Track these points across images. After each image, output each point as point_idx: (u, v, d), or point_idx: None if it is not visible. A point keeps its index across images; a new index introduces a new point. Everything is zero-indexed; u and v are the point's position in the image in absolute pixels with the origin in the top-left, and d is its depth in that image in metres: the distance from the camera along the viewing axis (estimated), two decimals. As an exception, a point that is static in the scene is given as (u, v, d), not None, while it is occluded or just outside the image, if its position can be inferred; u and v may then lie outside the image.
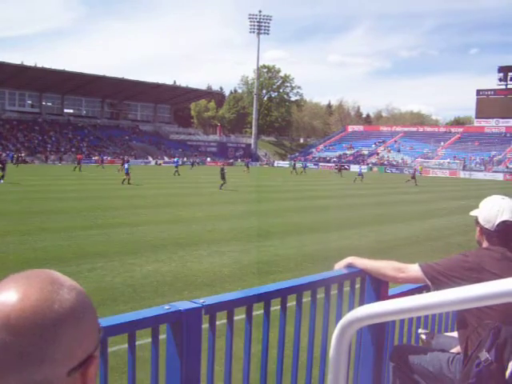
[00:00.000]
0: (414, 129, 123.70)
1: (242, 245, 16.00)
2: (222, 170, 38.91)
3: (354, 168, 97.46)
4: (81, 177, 48.08)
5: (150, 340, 2.29)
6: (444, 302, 1.52)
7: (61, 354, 0.91)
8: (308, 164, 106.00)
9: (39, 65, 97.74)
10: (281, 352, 2.85)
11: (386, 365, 3.48)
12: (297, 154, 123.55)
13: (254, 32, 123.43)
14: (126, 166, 41.00)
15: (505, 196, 3.18)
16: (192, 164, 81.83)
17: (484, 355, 2.64)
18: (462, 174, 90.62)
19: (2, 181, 35.93)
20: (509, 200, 3.12)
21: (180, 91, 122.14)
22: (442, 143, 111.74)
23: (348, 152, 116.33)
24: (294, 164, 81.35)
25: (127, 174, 39.86)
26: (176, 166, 58.41)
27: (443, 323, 4.21)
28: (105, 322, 2.05)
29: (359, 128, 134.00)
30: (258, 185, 44.41)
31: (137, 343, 2.28)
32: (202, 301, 2.38)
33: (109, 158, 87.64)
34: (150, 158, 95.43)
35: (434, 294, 1.58)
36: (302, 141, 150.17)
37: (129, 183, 39.18)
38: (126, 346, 2.26)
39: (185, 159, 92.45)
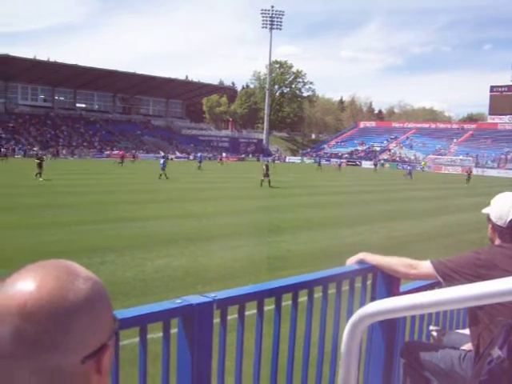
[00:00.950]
0: (427, 125, 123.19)
1: (255, 239, 16.04)
2: (267, 166, 38.64)
3: (366, 164, 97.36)
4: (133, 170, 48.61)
5: (161, 334, 2.30)
6: (455, 299, 1.51)
7: (74, 342, 0.93)
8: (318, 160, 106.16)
9: (52, 59, 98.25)
10: (292, 347, 2.84)
11: (396, 361, 3.47)
12: (308, 150, 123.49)
13: (266, 27, 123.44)
14: (161, 161, 43.27)
15: None
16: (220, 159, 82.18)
17: (496, 352, 2.62)
18: (475, 171, 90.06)
19: (40, 179, 34.91)
20: (521, 196, 3.10)
21: (192, 86, 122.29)
22: (455, 140, 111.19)
23: (360, 148, 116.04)
24: (319, 161, 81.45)
25: (163, 169, 41.58)
26: (200, 161, 59.87)
27: (454, 320, 4.20)
28: (116, 315, 2.05)
29: (371, 124, 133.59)
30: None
31: (149, 337, 2.29)
32: (213, 295, 2.37)
33: (120, 153, 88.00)
34: (162, 153, 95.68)
35: (446, 291, 1.58)
36: (313, 136, 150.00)
37: (166, 178, 40.49)
38: (139, 339, 2.27)
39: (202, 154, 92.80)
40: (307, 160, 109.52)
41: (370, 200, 30.61)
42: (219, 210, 22.96)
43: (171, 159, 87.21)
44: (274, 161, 70.83)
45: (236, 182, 41.26)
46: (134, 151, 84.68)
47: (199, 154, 65.87)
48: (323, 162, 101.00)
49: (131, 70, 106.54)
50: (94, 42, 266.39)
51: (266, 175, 37.66)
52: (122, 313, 2.06)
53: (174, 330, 2.33)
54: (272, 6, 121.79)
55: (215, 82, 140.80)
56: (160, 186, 34.92)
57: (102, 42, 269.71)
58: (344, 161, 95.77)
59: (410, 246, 15.25)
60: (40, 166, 35.70)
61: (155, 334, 2.69)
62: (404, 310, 1.62)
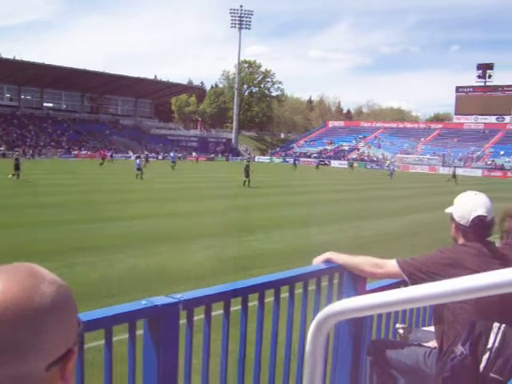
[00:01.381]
0: (395, 125, 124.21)
1: (228, 239, 16.05)
2: (247, 166, 38.45)
3: (335, 164, 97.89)
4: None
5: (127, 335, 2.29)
6: (419, 297, 1.54)
7: (41, 347, 0.90)
8: (288, 159, 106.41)
9: (18, 58, 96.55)
10: (259, 347, 2.85)
11: (363, 359, 3.50)
12: (278, 149, 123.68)
13: (235, 27, 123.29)
14: (138, 161, 43.25)
15: (478, 192, 3.22)
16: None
17: (459, 349, 2.67)
18: (442, 170, 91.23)
19: (15, 177, 34.95)
20: (482, 195, 3.15)
21: (161, 86, 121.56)
22: (422, 139, 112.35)
23: (329, 147, 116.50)
24: (295, 161, 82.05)
25: (139, 169, 41.61)
26: (173, 161, 60.21)
27: (421, 318, 4.25)
28: (81, 317, 2.03)
29: (340, 123, 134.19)
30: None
31: (117, 338, 2.28)
32: (179, 296, 2.36)
33: (88, 153, 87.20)
34: (131, 153, 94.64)
35: (409, 289, 1.60)
36: (282, 136, 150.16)
37: (141, 178, 40.45)
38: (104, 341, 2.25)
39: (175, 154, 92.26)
40: (276, 159, 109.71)
41: (342, 199, 30.79)
42: (193, 209, 22.88)
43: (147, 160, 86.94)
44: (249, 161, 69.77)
45: (211, 182, 41.39)
46: (111, 152, 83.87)
47: (172, 154, 65.46)
48: (292, 161, 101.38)
49: (100, 70, 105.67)
50: (61, 41, 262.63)
51: (247, 175, 37.64)
52: (86, 315, 2.05)
53: (141, 332, 2.32)
54: (241, 6, 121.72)
55: (184, 81, 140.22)
56: (134, 187, 34.77)
57: (70, 41, 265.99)
58: (317, 160, 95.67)
59: (379, 245, 15.37)
60: (17, 167, 35.45)
61: (124, 335, 2.68)
62: (368, 308, 1.64)
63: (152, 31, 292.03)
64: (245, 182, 37.58)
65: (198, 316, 2.59)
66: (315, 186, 42.79)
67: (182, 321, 2.40)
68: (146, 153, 76.30)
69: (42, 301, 0.92)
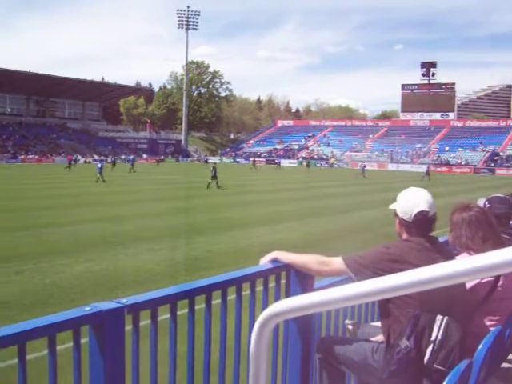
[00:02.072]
0: (343, 123, 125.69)
1: (175, 242, 15.95)
2: (214, 168, 38.51)
3: (285, 162, 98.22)
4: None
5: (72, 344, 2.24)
6: (360, 293, 1.55)
7: None
8: (238, 159, 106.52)
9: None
10: (207, 349, 2.83)
11: (313, 357, 3.53)
12: (227, 150, 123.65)
13: (182, 28, 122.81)
14: (99, 165, 43.78)
15: (420, 188, 3.28)
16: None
17: (404, 343, 2.72)
18: (390, 167, 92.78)
19: None
20: (424, 191, 3.22)
21: (108, 88, 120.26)
22: (371, 136, 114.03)
23: (278, 147, 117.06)
24: (254, 160, 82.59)
25: (100, 173, 42.33)
26: (131, 164, 60.76)
27: (370, 313, 4.29)
28: (23, 326, 2.00)
29: (289, 123, 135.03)
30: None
31: (62, 347, 2.23)
32: (124, 300, 2.32)
33: (36, 157, 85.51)
34: (80, 157, 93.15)
35: (351, 286, 1.61)
36: (232, 136, 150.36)
37: (103, 181, 41.24)
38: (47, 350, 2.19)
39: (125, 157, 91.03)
40: (226, 160, 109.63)
41: (294, 198, 30.97)
42: (142, 212, 22.68)
43: (89, 162, 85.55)
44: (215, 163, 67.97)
45: (171, 184, 41.48)
46: (76, 155, 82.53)
47: (131, 157, 65.59)
48: (242, 161, 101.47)
49: (45, 72, 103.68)
50: (4, 43, 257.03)
51: (214, 177, 37.78)
52: (28, 323, 2.00)
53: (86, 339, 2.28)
54: (188, 6, 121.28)
55: (132, 83, 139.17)
56: (90, 190, 34.53)
57: (14, 43, 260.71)
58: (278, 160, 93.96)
59: (329, 243, 15.51)
60: None
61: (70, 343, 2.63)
62: (310, 307, 1.64)
63: (98, 32, 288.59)
64: (210, 183, 37.74)
65: (146, 321, 2.56)
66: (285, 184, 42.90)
67: (129, 327, 2.37)
68: (115, 157, 75.55)
69: None
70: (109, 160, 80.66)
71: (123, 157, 66.30)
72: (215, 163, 42.32)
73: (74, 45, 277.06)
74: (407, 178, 56.90)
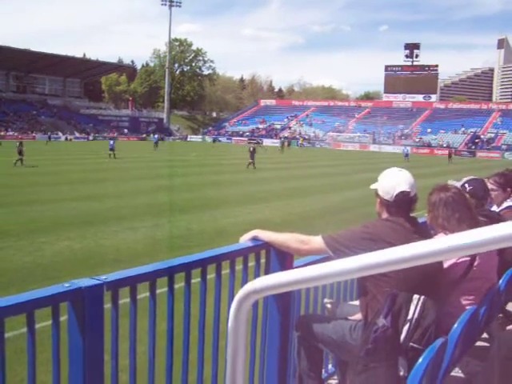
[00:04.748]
0: (326, 103, 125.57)
1: (156, 220, 15.93)
2: (254, 149, 38.65)
3: (267, 142, 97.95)
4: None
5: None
6: (337, 272, 1.56)
7: None
8: (221, 138, 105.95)
9: None
10: (187, 327, 2.84)
11: (292, 335, 3.56)
12: (210, 129, 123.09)
13: (165, 4, 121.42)
14: (111, 142, 45.64)
15: (402, 168, 3.31)
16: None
17: (381, 321, 2.75)
18: (372, 148, 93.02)
19: None
20: (405, 172, 3.24)
21: (90, 64, 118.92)
22: (354, 117, 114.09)
23: (261, 126, 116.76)
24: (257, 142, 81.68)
25: (112, 149, 43.84)
26: (156, 142, 63.37)
27: (348, 292, 4.33)
28: (1, 302, 2.00)
29: (271, 102, 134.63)
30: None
31: (41, 325, 2.22)
32: (104, 277, 2.31)
33: (15, 134, 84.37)
34: (60, 134, 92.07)
35: (329, 264, 1.63)
36: (214, 115, 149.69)
37: (115, 157, 42.70)
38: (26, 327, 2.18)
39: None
40: (208, 138, 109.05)
41: (277, 177, 30.99)
42: (122, 190, 22.58)
43: (70, 140, 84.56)
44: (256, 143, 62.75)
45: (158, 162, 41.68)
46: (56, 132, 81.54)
47: (156, 136, 67.27)
48: (224, 140, 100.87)
49: (25, 47, 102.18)
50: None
51: (252, 158, 37.86)
52: (6, 300, 2.00)
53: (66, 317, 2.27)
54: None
55: (114, 60, 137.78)
56: (70, 168, 33.83)
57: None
58: (286, 141, 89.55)
59: (311, 221, 15.59)
60: None
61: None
62: (287, 284, 1.65)
63: (79, 8, 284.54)
64: (251, 163, 37.79)
65: (126, 299, 2.56)
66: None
67: (108, 305, 2.37)
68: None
69: None
70: (90, 138, 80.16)
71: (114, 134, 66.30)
72: (256, 144, 42.38)
73: (56, 20, 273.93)
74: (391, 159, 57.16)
